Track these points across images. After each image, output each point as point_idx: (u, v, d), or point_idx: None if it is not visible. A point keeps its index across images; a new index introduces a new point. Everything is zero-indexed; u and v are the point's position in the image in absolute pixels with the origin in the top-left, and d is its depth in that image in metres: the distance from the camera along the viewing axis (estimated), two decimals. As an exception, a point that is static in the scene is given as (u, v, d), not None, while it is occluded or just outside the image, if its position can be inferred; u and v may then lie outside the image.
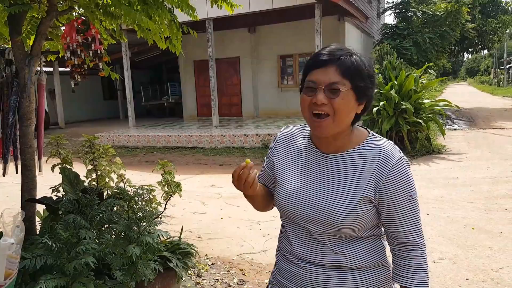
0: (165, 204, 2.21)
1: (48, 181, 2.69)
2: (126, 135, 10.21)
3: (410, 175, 1.04)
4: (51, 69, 13.97)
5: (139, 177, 6.02)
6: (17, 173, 2.46)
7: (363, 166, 1.05)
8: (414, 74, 8.10)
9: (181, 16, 2.98)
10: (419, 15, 15.88)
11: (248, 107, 13.02)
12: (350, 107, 1.02)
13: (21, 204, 2.23)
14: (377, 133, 6.32)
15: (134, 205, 2.08)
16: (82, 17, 2.38)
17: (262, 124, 10.55)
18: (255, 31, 12.55)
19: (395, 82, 7.96)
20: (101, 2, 2.47)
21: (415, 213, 1.06)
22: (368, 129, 1.13)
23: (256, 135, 8.90)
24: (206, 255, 3.51)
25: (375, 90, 1.10)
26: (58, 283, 1.62)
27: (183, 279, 2.41)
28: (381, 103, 7.68)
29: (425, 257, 1.07)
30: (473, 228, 3.88)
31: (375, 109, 7.65)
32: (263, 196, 1.24)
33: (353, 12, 10.22)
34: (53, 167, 2.53)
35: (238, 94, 13.14)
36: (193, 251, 2.45)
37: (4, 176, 2.48)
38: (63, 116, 14.69)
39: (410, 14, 16.28)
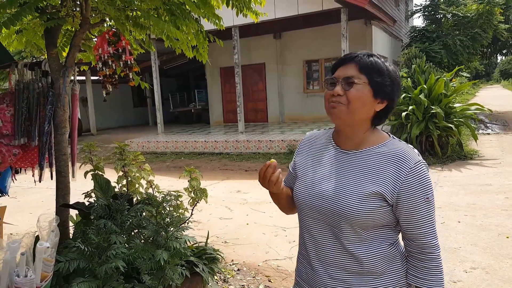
0: (192, 209, 2.25)
1: (81, 186, 2.81)
2: (155, 141, 10.47)
3: (428, 178, 1.08)
4: (83, 78, 14.56)
5: (167, 182, 6.14)
6: (52, 179, 2.58)
7: (380, 164, 1.10)
8: (444, 78, 7.85)
9: (207, 25, 3.03)
10: (449, 17, 15.40)
11: (274, 112, 13.03)
12: (364, 99, 1.09)
13: (56, 209, 2.34)
14: (406, 138, 6.14)
15: (162, 211, 2.13)
16: (113, 29, 2.48)
17: (288, 130, 10.52)
18: (280, 36, 12.59)
19: (424, 86, 7.74)
20: (131, 14, 2.57)
21: (431, 216, 1.09)
22: (390, 134, 1.18)
23: (282, 140, 8.89)
24: (232, 260, 3.53)
25: (401, 94, 1.12)
26: (90, 286, 1.68)
27: (209, 284, 2.43)
28: (410, 107, 7.48)
29: (440, 259, 1.09)
30: (507, 237, 3.69)
31: (404, 113, 7.47)
32: (288, 197, 1.30)
33: (380, 15, 10.06)
34: (85, 174, 2.64)
35: (264, 99, 13.19)
36: (219, 256, 2.47)
37: (40, 182, 2.60)
38: (95, 123, 15.24)
39: (439, 16, 15.81)
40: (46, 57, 2.42)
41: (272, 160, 1.18)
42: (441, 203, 4.81)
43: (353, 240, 1.10)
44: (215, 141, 9.62)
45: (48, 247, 1.28)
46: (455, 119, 7.54)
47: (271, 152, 8.94)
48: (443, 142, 7.64)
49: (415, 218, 1.08)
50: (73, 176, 2.56)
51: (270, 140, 9.01)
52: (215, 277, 3.08)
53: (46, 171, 2.69)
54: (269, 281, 3.11)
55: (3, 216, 3.39)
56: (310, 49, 12.07)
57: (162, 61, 12.33)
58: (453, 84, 8.60)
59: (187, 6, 2.70)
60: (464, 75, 18.71)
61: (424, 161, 1.10)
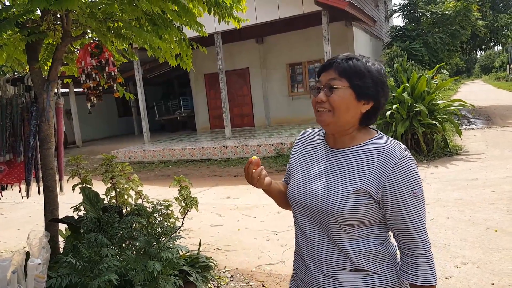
0: (183, 218, 2.25)
1: (69, 200, 2.77)
2: (141, 150, 10.38)
3: (414, 173, 1.07)
4: (66, 90, 14.36)
5: (155, 192, 6.10)
6: (39, 194, 2.54)
7: (365, 161, 1.11)
8: (426, 75, 8.01)
9: (190, 32, 3.05)
10: (427, 15, 15.76)
11: (260, 117, 13.09)
12: (347, 103, 1.11)
13: (45, 224, 2.31)
14: (392, 136, 6.21)
15: (153, 221, 2.13)
16: (95, 41, 2.47)
17: (275, 133, 10.57)
18: (263, 41, 12.69)
19: (407, 84, 7.89)
20: (112, 25, 2.57)
21: (419, 211, 1.08)
22: (378, 130, 1.20)
23: (269, 144, 8.92)
24: (225, 267, 3.52)
25: (389, 91, 1.16)
26: (82, 301, 1.67)
27: (204, 291, 2.43)
28: (394, 106, 7.61)
29: (431, 254, 1.09)
30: (495, 231, 3.78)
31: (388, 112, 7.59)
32: (280, 193, 1.34)
33: (360, 16, 10.23)
34: (73, 187, 2.61)
35: (249, 104, 13.24)
36: (212, 264, 2.47)
37: (28, 197, 2.57)
38: (80, 135, 15.03)
39: (418, 15, 16.16)
40: (28, 71, 2.40)
41: (254, 157, 1.24)
42: (430, 200, 4.89)
43: (344, 238, 1.12)
44: (203, 147, 9.59)
45: (39, 264, 1.27)
46: (438, 116, 7.69)
47: (259, 156, 8.96)
48: (428, 139, 7.79)
49: (401, 213, 1.08)
50: (61, 190, 2.53)
51: (258, 145, 9.04)
52: (209, 285, 3.07)
53: (33, 186, 2.66)
54: (263, 286, 3.12)
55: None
56: (293, 52, 12.19)
57: (146, 70, 12.27)
58: (435, 81, 8.78)
59: (168, 15, 2.72)
60: (444, 72, 19.12)
61: (412, 157, 1.10)
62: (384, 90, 1.13)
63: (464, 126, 10.71)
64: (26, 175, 2.53)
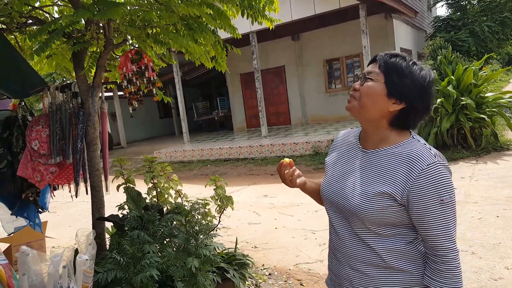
0: (219, 217, 2.30)
1: (114, 199, 2.93)
2: (181, 150, 10.69)
3: (443, 180, 1.05)
4: (111, 94, 15.11)
5: (195, 190, 6.26)
6: (87, 193, 2.71)
7: (392, 164, 1.11)
8: (473, 67, 7.57)
9: (224, 34, 3.10)
10: (474, 3, 14.86)
11: (296, 114, 13.00)
12: (375, 96, 1.12)
13: (92, 221, 2.46)
14: (436, 132, 5.93)
15: (191, 219, 2.20)
16: (135, 48, 2.59)
17: (312, 131, 10.46)
18: (298, 38, 12.58)
19: (452, 77, 7.50)
20: (151, 31, 2.68)
21: (446, 218, 1.06)
22: (413, 133, 1.17)
23: (306, 142, 8.85)
24: (263, 265, 3.56)
25: (432, 102, 1.13)
26: (127, 294, 1.77)
27: (243, 285, 2.47)
28: (438, 100, 7.26)
29: (456, 262, 1.06)
30: (551, 231, 3.52)
31: (432, 107, 7.26)
32: (316, 191, 1.38)
33: (400, 8, 9.85)
34: (118, 187, 2.76)
35: (285, 102, 13.19)
36: (249, 261, 2.51)
37: (76, 197, 2.75)
38: (125, 136, 15.75)
39: (464, 3, 15.30)
40: (75, 79, 2.56)
41: (286, 159, 1.31)
42: (478, 198, 4.64)
43: (370, 236, 1.14)
44: (240, 146, 9.71)
45: (86, 259, 1.37)
46: (487, 109, 7.24)
47: (296, 154, 8.92)
48: (476, 134, 7.36)
49: (426, 219, 1.06)
50: (106, 190, 2.68)
51: (294, 143, 8.99)
52: (247, 283, 3.12)
53: (82, 186, 2.84)
54: (301, 284, 3.12)
55: (45, 231, 3.59)
56: (330, 48, 11.98)
57: (184, 72, 12.60)
58: (484, 72, 8.27)
59: (203, 19, 2.79)
60: (492, 62, 17.94)
61: (444, 162, 1.07)
62: (422, 97, 1.10)
63: (517, 120, 9.98)
64: (75, 176, 2.70)
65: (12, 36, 3.10)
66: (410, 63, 1.12)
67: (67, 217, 6.15)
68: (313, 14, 9.49)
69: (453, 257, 1.06)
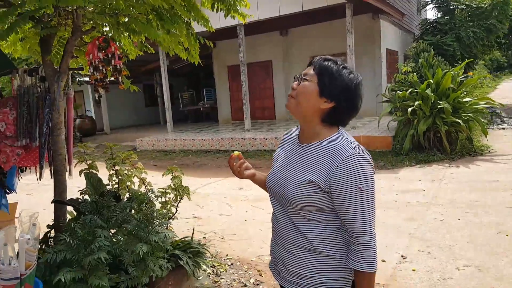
0: (176, 205, 2.36)
1: (79, 184, 2.97)
2: (164, 139, 10.69)
3: (361, 170, 1.19)
4: (97, 79, 14.90)
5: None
6: (51, 177, 2.74)
7: (319, 156, 1.26)
8: (452, 72, 7.74)
9: (215, 25, 3.10)
10: (463, 7, 15.07)
11: (281, 110, 13.08)
12: (309, 95, 1.26)
13: (53, 204, 2.49)
14: (413, 134, 6.08)
15: (145, 207, 2.26)
16: (103, 35, 2.61)
17: (295, 126, 10.54)
18: (287, 33, 12.62)
19: (431, 80, 7.66)
20: (122, 20, 2.69)
21: (364, 204, 1.19)
22: (341, 130, 1.32)
23: (288, 137, 8.94)
24: (227, 255, 3.65)
25: (357, 102, 1.27)
26: (76, 275, 1.83)
27: (199, 276, 2.55)
28: (417, 102, 7.42)
29: (371, 243, 1.19)
30: (507, 235, 3.67)
31: (410, 109, 7.41)
32: (263, 183, 1.53)
33: (386, 9, 9.97)
34: (80, 172, 2.80)
35: (271, 97, 13.26)
36: (205, 250, 2.58)
37: (40, 180, 2.77)
38: (108, 122, 15.61)
39: (453, 7, 15.49)
40: (42, 62, 2.57)
41: (235, 152, 1.47)
42: (444, 200, 4.79)
43: (301, 221, 1.28)
44: (222, 138, 9.76)
45: (29, 239, 1.42)
46: (463, 114, 7.42)
47: (276, 149, 9.00)
48: (452, 138, 7.54)
49: (345, 204, 1.20)
50: (70, 175, 2.71)
51: (276, 138, 9.09)
52: (208, 271, 3.20)
53: (47, 170, 2.86)
54: (260, 275, 3.21)
55: (15, 212, 3.61)
56: (317, 45, 12.05)
57: (171, 61, 12.52)
58: (462, 77, 8.45)
59: (177, 10, 2.82)
60: (476, 68, 18.24)
61: (363, 155, 1.21)
62: (349, 97, 1.25)
63: (496, 125, 10.25)
64: (40, 159, 2.72)
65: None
66: (341, 67, 1.26)
67: (43, 200, 6.12)
68: (300, 10, 9.53)
69: (369, 239, 1.19)
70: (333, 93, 1.24)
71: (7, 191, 3.37)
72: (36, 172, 2.99)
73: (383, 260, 3.30)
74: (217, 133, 10.82)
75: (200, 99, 16.02)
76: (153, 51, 3.96)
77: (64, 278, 1.78)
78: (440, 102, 7.31)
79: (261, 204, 5.10)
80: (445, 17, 15.14)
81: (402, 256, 3.42)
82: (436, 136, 7.51)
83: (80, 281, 1.86)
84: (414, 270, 3.15)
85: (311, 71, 1.28)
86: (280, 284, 1.41)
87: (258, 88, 13.29)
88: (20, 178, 3.37)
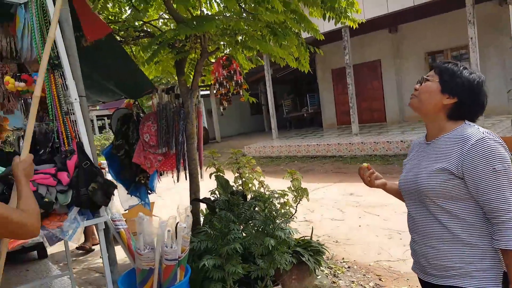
0: (296, 206, 2.51)
1: (208, 185, 3.37)
2: (270, 146, 11.14)
3: (493, 151, 1.21)
4: (208, 92, 16.37)
5: (281, 184, 6.57)
6: (186, 179, 3.18)
7: (448, 145, 1.31)
8: None
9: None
10: None
11: (392, 111, 12.37)
12: (432, 92, 1.35)
13: (190, 203, 2.89)
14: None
15: (269, 206, 2.46)
16: (226, 55, 2.95)
17: (409, 129, 9.88)
18: (396, 30, 11.90)
19: None
20: (240, 39, 3.00)
21: (500, 184, 1.21)
22: (467, 122, 1.35)
23: (401, 141, 8.44)
24: (343, 258, 3.66)
25: (477, 98, 1.32)
26: (215, 262, 2.11)
27: (318, 275, 2.63)
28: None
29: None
30: None
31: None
32: (396, 190, 1.60)
33: (516, -10, 8.66)
34: (210, 175, 3.18)
35: (380, 98, 12.65)
36: (324, 250, 2.66)
37: (178, 181, 3.24)
38: (219, 132, 16.95)
39: None
40: (177, 82, 3.03)
41: (364, 163, 1.59)
42: None
43: (440, 212, 1.31)
44: (328, 144, 9.72)
45: (185, 227, 1.72)
46: None
47: (389, 154, 8.58)
48: None
49: (481, 187, 1.22)
50: (201, 177, 3.11)
51: (388, 141, 8.65)
52: (325, 271, 3.27)
53: (182, 174, 3.33)
54: (380, 280, 3.15)
55: (153, 210, 4.23)
56: (433, 40, 11.07)
57: (275, 70, 13.00)
58: None
59: (288, 23, 3.01)
60: None
61: (494, 138, 1.24)
62: (471, 93, 1.32)
63: None
64: (177, 164, 3.19)
65: (128, 47, 3.75)
66: (461, 68, 1.35)
67: (170, 201, 7.02)
68: (411, 6, 8.95)
69: (510, 217, 1.19)
70: (455, 89, 1.32)
71: (149, 191, 4.03)
72: (172, 176, 3.50)
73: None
74: (323, 139, 10.81)
75: (303, 105, 16.20)
76: (263, 63, 4.26)
77: (207, 263, 2.08)
78: None
79: (375, 210, 4.95)
80: None
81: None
82: None
83: (218, 268, 2.15)
84: None
85: (432, 72, 1.39)
86: (425, 282, 1.42)
87: (366, 90, 12.82)
88: (159, 180, 3.98)
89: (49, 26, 1.85)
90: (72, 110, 1.88)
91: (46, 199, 1.70)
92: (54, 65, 1.83)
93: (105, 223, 2.02)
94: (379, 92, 12.62)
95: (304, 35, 3.37)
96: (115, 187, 1.89)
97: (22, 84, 1.87)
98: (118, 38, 3.13)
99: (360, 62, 12.40)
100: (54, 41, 1.84)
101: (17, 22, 1.90)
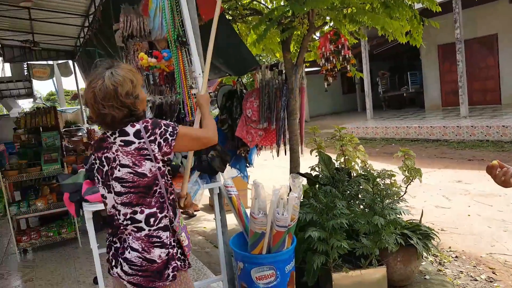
0: (406, 187, 2.39)
1: (305, 161, 3.40)
2: (364, 127, 10.68)
3: None
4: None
5: (378, 166, 6.27)
6: (285, 154, 3.26)
7: None
8: None
9: (418, 5, 2.99)
10: None
11: (509, 92, 10.79)
12: None
13: (289, 176, 2.96)
14: None
15: (377, 185, 2.38)
16: (334, 29, 2.87)
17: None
18: (520, -2, 10.22)
19: None
20: (347, 11, 2.89)
21: None
22: None
23: (520, 125, 7.36)
24: (450, 247, 3.41)
25: None
26: (320, 234, 2.15)
27: (425, 259, 2.49)
28: None
29: None
30: None
31: None
32: None
33: None
34: (311, 151, 3.20)
35: (496, 77, 11.08)
36: (434, 235, 2.51)
37: (278, 156, 3.34)
38: (309, 111, 16.76)
39: None
40: (280, 59, 3.06)
41: (494, 161, 1.29)
42: None
43: None
44: (431, 126, 8.93)
45: (296, 197, 1.78)
46: None
47: (505, 139, 7.55)
48: None
49: None
50: (301, 153, 3.15)
51: (504, 126, 7.61)
52: (429, 259, 3.09)
53: (282, 148, 3.41)
54: (494, 273, 2.86)
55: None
56: None
57: (372, 46, 12.24)
58: None
59: (402, -6, 2.80)
60: None
61: None
62: None
63: None
64: (277, 139, 3.27)
65: (236, 25, 3.89)
66: None
67: (262, 176, 7.25)
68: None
69: None
70: None
71: (248, 164, 4.23)
72: (271, 151, 3.61)
73: None
74: (425, 121, 9.97)
75: (402, 84, 15.02)
76: (366, 38, 4.06)
77: (313, 235, 2.14)
78: None
79: (488, 200, 4.45)
80: None
81: None
82: None
83: (322, 241, 2.19)
84: None
85: None
86: None
87: (477, 68, 11.35)
88: (258, 154, 4.15)
89: (178, 7, 2.03)
90: (196, 84, 2.05)
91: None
92: (182, 42, 2.01)
93: (219, 188, 2.21)
94: (494, 70, 11.04)
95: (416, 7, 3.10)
96: (230, 155, 2.03)
97: (153, 60, 2.10)
98: (227, 16, 3.28)
99: (471, 37, 10.96)
100: (182, 20, 2.01)
101: (150, 3, 2.12)
